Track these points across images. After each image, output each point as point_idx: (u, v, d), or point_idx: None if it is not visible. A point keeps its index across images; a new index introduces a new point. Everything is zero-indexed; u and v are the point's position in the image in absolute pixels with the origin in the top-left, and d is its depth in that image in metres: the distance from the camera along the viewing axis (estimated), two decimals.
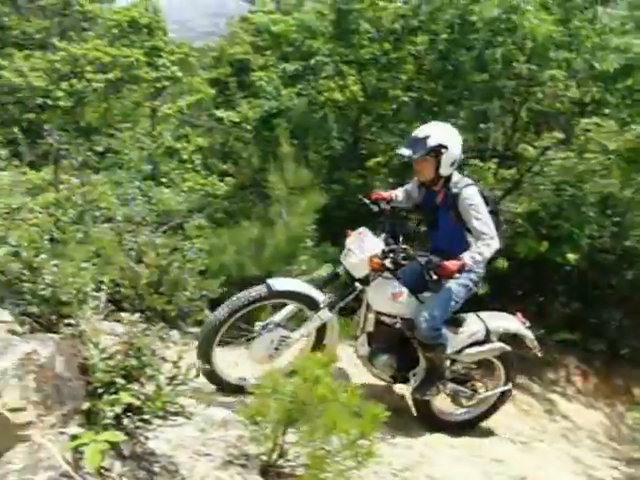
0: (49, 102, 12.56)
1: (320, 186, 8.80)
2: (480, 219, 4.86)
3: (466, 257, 4.73)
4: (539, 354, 5.82)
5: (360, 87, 10.28)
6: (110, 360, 2.38)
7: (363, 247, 4.90)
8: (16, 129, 11.55)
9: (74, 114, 13.09)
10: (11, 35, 14.68)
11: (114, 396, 2.43)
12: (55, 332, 2.31)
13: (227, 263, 7.70)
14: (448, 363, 5.40)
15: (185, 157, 13.11)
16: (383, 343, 5.20)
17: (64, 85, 12.73)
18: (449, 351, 5.22)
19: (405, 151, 5.00)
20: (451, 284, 5.07)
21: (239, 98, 13.39)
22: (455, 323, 5.28)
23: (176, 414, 2.64)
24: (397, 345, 5.25)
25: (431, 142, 4.93)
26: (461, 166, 5.36)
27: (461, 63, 8.52)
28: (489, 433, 5.81)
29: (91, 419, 2.45)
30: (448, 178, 5.10)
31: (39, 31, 14.92)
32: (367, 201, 5.37)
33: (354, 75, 10.35)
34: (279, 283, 4.92)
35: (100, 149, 12.35)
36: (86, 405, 2.40)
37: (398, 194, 5.54)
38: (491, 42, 8.17)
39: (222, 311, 4.79)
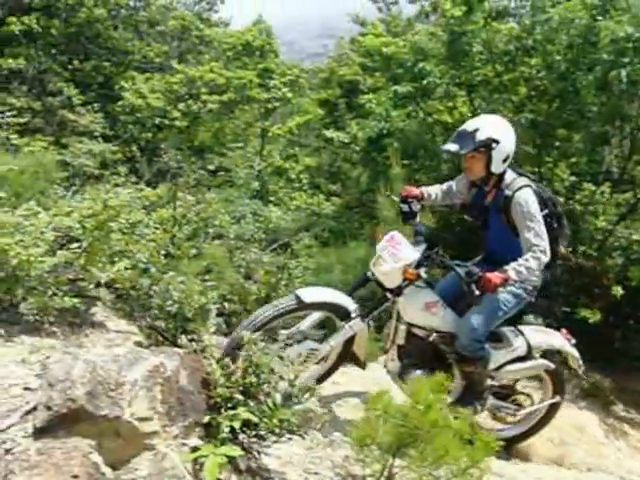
0: (166, 122, 13.12)
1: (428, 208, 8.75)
2: (532, 229, 4.34)
3: (510, 270, 4.22)
4: (582, 375, 5.44)
5: (469, 109, 10.19)
6: (231, 376, 2.47)
7: (396, 255, 4.38)
8: (134, 147, 12.13)
9: (188, 133, 13.61)
10: (133, 59, 15.47)
11: (233, 411, 2.50)
12: (179, 346, 2.41)
13: (333, 282, 7.76)
14: (488, 380, 4.86)
15: (293, 176, 13.37)
16: (415, 358, 4.66)
17: (181, 106, 13.28)
18: (490, 367, 4.73)
19: (452, 146, 4.46)
20: (501, 293, 4.51)
21: (348, 119, 13.54)
22: (494, 338, 4.78)
23: (291, 432, 2.69)
24: (430, 360, 4.68)
25: (480, 136, 4.39)
26: (516, 163, 4.83)
27: (581, 84, 8.29)
28: (598, 470, 5.57)
29: (210, 432, 2.54)
30: (501, 177, 4.55)
31: (159, 55, 15.68)
32: (396, 199, 4.80)
33: (463, 96, 10.29)
34: (309, 294, 4.39)
35: (212, 167, 12.77)
36: (206, 418, 2.49)
37: (432, 192, 4.92)
38: (616, 62, 7.90)
39: (247, 327, 4.17)
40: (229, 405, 2.52)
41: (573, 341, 5.07)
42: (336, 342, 4.41)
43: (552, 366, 5.00)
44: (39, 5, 12.79)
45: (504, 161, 4.46)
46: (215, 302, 2.53)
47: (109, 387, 2.04)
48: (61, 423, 1.95)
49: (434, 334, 4.56)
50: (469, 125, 4.49)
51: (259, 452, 2.77)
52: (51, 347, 4.56)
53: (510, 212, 4.40)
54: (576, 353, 5.08)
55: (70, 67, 14.41)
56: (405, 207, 4.69)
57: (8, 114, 9.08)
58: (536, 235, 4.30)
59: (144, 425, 2.21)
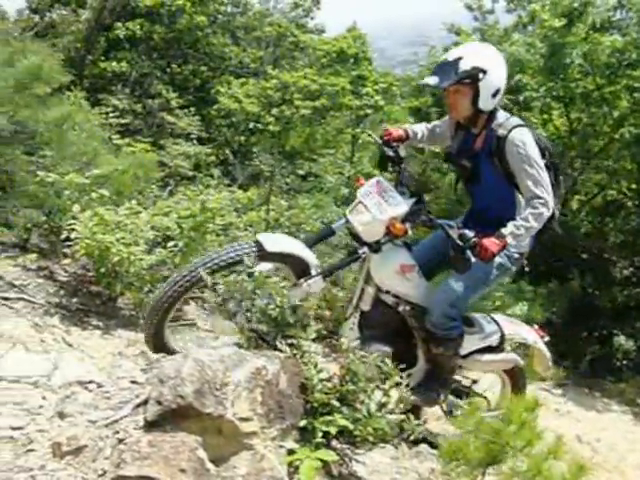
0: (259, 126, 13.38)
1: None
2: (532, 175, 3.65)
3: (508, 234, 3.54)
4: (548, 378, 4.95)
5: (566, 122, 9.97)
6: (328, 382, 2.52)
7: (382, 205, 3.69)
8: (228, 150, 12.42)
9: (280, 138, 13.83)
10: (229, 64, 15.86)
11: (329, 417, 2.55)
12: (279, 350, 2.48)
13: None
14: (455, 369, 4.22)
15: None
16: (378, 329, 3.97)
17: (274, 111, 13.52)
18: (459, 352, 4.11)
19: (431, 79, 3.76)
20: (490, 268, 3.86)
21: None
22: (465, 322, 4.13)
23: (384, 441, 2.72)
24: (395, 335, 4.04)
25: (464, 65, 3.67)
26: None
27: None
28: None
29: (305, 436, 2.59)
30: (491, 116, 3.84)
31: (254, 60, 16.03)
32: (379, 141, 4.06)
33: (558, 109, 10.06)
34: (273, 242, 3.69)
35: (302, 172, 12.94)
36: (303, 422, 2.54)
37: (418, 130, 4.24)
38: None
39: (203, 266, 3.43)
40: (325, 411, 2.56)
41: (547, 338, 4.54)
42: (294, 299, 3.51)
43: (522, 362, 4.42)
44: (143, 11, 13.27)
45: (494, 95, 3.77)
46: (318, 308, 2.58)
47: (215, 386, 2.12)
48: (170, 418, 2.04)
49: (404, 304, 3.92)
50: (451, 54, 3.79)
51: (351, 459, 2.81)
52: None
53: (505, 155, 3.73)
54: (548, 352, 4.52)
55: (169, 71, 14.92)
56: (390, 151, 3.98)
57: (111, 115, 9.46)
58: (536, 183, 3.63)
59: (244, 425, 2.28)
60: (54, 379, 2.80)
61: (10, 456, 2.11)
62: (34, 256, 5.03)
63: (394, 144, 3.98)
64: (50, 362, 3.38)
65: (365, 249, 3.70)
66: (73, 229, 4.68)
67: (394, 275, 3.81)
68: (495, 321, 4.28)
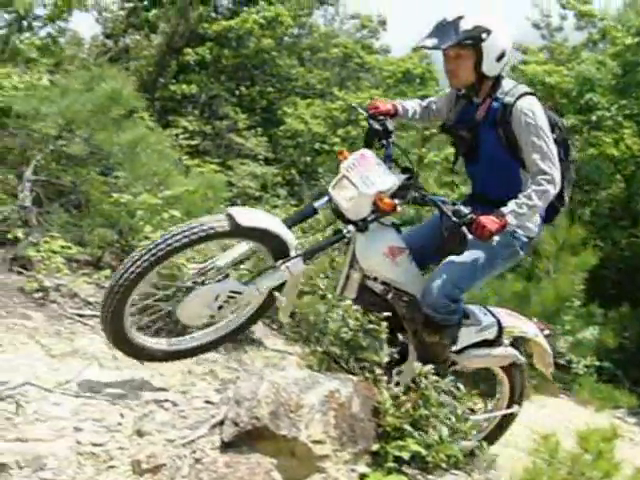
0: (325, 147, 13.47)
1: (592, 245, 8.43)
2: (540, 148, 3.27)
3: (508, 213, 3.20)
4: (549, 375, 4.28)
5: (638, 141, 9.73)
6: (401, 406, 2.50)
7: (369, 178, 3.31)
8: (294, 170, 12.54)
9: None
10: (295, 85, 16.04)
11: (401, 442, 2.53)
12: (352, 373, 2.48)
13: None
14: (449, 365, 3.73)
15: None
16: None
17: (340, 131, 13.59)
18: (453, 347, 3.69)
19: (428, 41, 3.40)
20: (495, 246, 3.40)
21: None
22: None
23: (457, 467, 2.68)
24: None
25: (465, 25, 3.33)
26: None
27: None
28: None
29: (377, 460, 2.58)
30: (496, 83, 3.46)
31: (320, 81, 16.16)
32: (365, 113, 3.72)
33: (630, 128, 9.83)
34: (246, 216, 3.27)
35: None
36: (375, 447, 2.54)
37: (409, 107, 3.89)
38: None
39: (169, 242, 3.11)
40: (397, 435, 2.55)
41: (547, 332, 4.14)
42: (267, 286, 3.27)
43: (522, 359, 4.01)
44: (212, 36, 13.58)
45: (499, 59, 3.40)
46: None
47: (290, 409, 2.14)
48: (246, 439, 2.07)
49: (393, 291, 3.50)
50: (450, 14, 3.44)
51: None
52: (214, 361, 4.81)
53: (511, 125, 3.37)
54: (549, 348, 4.10)
55: (237, 93, 15.17)
56: (376, 124, 3.61)
57: (181, 136, 9.70)
58: (544, 157, 3.27)
59: (317, 448, 2.29)
60: (130, 396, 2.86)
61: (92, 472, 2.16)
62: (107, 273, 5.16)
63: (381, 117, 3.64)
64: (124, 379, 3.46)
65: (350, 228, 3.31)
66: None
67: (382, 258, 3.42)
68: (491, 312, 3.92)
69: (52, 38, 7.88)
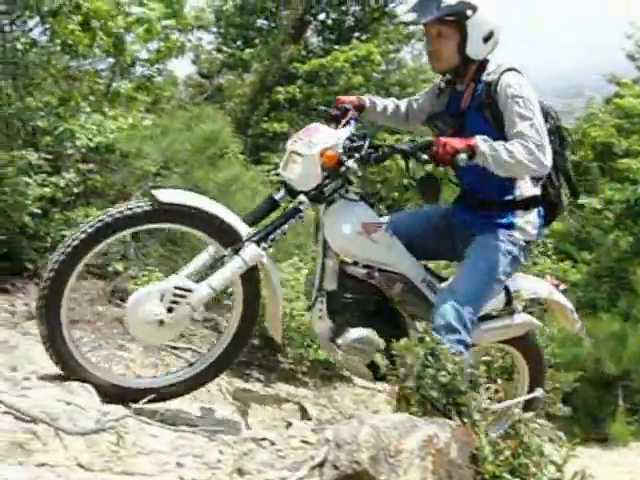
0: (413, 183, 13.43)
1: None
2: (527, 118, 2.93)
3: (480, 138, 2.88)
4: (580, 332, 3.91)
5: None
6: (499, 453, 2.45)
7: (311, 142, 3.01)
8: (382, 206, 12.55)
9: None
10: None
11: None
12: (449, 418, 2.45)
13: (582, 356, 7.39)
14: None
15: (538, 241, 12.94)
16: (352, 311, 3.20)
17: (429, 166, 13.53)
18: None
19: (408, 16, 3.20)
20: (488, 251, 3.15)
21: (601, 183, 12.92)
22: None
23: None
24: (375, 313, 3.26)
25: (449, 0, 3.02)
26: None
27: None
28: None
29: None
30: (481, 67, 3.17)
31: None
32: (329, 110, 3.40)
33: None
34: (173, 195, 2.93)
35: None
36: None
37: (379, 102, 3.54)
38: None
39: (75, 239, 2.78)
40: None
41: (562, 287, 3.75)
42: (221, 279, 2.89)
43: (538, 324, 3.71)
44: (303, 74, 13.86)
45: (486, 40, 3.10)
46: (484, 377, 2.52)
47: (389, 453, 2.12)
48: None
49: (377, 273, 3.17)
50: None
51: None
52: (303, 396, 4.84)
53: (497, 103, 3.04)
54: (569, 303, 3.71)
55: None
56: (335, 111, 3.36)
57: (272, 172, 9.88)
58: (532, 126, 2.93)
59: None
60: (226, 432, 2.90)
61: None
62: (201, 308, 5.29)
63: (345, 106, 3.38)
64: (218, 413, 3.52)
65: (302, 198, 2.96)
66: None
67: (356, 238, 3.08)
68: None
69: (149, 78, 8.23)
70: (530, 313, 3.78)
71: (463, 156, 2.80)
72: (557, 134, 3.27)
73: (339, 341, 3.17)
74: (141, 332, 2.89)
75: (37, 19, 5.70)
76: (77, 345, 2.98)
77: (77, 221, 4.87)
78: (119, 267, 5.02)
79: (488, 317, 3.48)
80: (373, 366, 3.21)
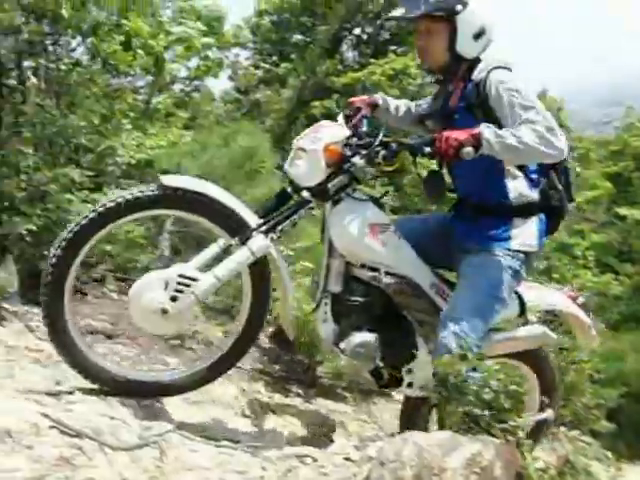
0: (451, 195, 13.35)
1: None
2: (532, 107, 2.79)
3: (485, 127, 2.76)
4: (595, 345, 3.63)
5: None
6: (544, 472, 2.41)
7: (316, 137, 2.96)
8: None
9: None
10: None
11: None
12: (493, 435, 2.41)
13: (626, 372, 7.25)
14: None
15: (578, 253, 12.76)
16: (357, 315, 3.08)
17: None
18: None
19: (397, 11, 3.28)
20: (487, 270, 2.99)
21: None
22: None
23: None
24: (381, 320, 3.13)
25: None
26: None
27: None
28: None
29: None
30: (473, 66, 3.05)
31: None
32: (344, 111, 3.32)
33: None
34: (180, 180, 2.89)
35: None
36: None
37: (392, 102, 3.47)
38: None
39: (77, 225, 2.77)
40: None
41: (581, 299, 3.53)
42: (226, 270, 2.82)
43: (553, 337, 3.42)
44: (339, 88, 13.87)
45: (477, 37, 3.00)
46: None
47: (433, 471, 2.10)
48: None
49: (384, 277, 3.05)
50: None
51: None
52: (343, 412, 4.81)
53: (489, 101, 2.91)
54: (587, 317, 3.48)
55: None
56: (348, 110, 3.30)
57: None
58: (537, 112, 2.78)
59: None
60: (268, 448, 2.90)
61: None
62: None
63: (357, 105, 3.33)
64: (259, 429, 3.53)
65: (305, 194, 2.89)
66: (277, 298, 4.87)
67: (362, 239, 2.97)
68: None
69: (187, 94, 8.34)
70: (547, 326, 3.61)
71: (468, 149, 2.70)
72: None
73: (342, 345, 3.06)
74: (144, 321, 2.82)
75: (80, 39, 5.83)
76: (81, 333, 2.96)
77: (118, 237, 4.93)
78: None
79: (500, 328, 3.36)
80: (377, 373, 3.19)
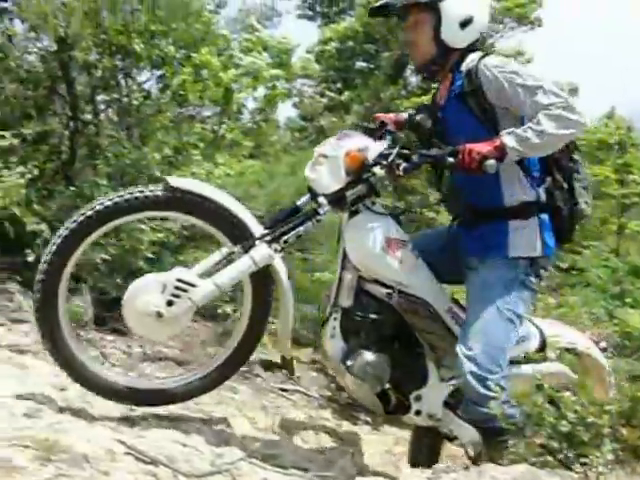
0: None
1: None
2: (538, 87, 2.66)
3: (505, 133, 2.66)
4: (609, 396, 3.14)
5: None
6: None
7: (338, 144, 2.87)
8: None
9: None
10: None
11: None
12: (571, 469, 2.34)
13: None
14: None
15: None
16: (367, 333, 2.94)
17: None
18: None
19: (379, 2, 3.02)
20: (491, 290, 2.84)
21: None
22: None
23: None
24: (392, 339, 3.01)
25: None
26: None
27: None
28: None
29: None
30: (461, 57, 2.92)
31: None
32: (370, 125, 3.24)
33: None
34: (182, 181, 2.83)
35: (564, 266, 12.40)
36: None
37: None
38: None
39: (73, 222, 2.70)
40: None
41: (603, 344, 3.45)
42: (227, 277, 2.74)
43: (573, 376, 3.19)
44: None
45: (463, 25, 2.87)
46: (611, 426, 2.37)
47: None
48: None
49: (397, 295, 2.92)
50: None
51: None
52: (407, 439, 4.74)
53: (482, 88, 2.77)
54: (605, 362, 3.32)
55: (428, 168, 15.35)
56: (372, 124, 3.26)
57: None
58: (545, 92, 2.65)
59: None
60: (339, 476, 2.89)
61: None
62: (309, 350, 5.31)
63: (382, 120, 3.28)
64: (327, 457, 3.50)
65: (321, 200, 2.80)
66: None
67: (378, 254, 2.85)
68: (532, 322, 3.25)
69: (255, 123, 8.46)
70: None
71: (492, 162, 2.62)
72: None
73: (349, 363, 2.92)
74: (138, 324, 2.74)
75: (150, 71, 6.03)
76: (78, 337, 2.99)
77: (187, 264, 5.00)
78: (228, 309, 5.12)
79: (519, 360, 3.20)
80: (384, 397, 3.07)
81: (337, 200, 2.81)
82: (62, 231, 2.71)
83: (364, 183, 2.82)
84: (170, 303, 2.66)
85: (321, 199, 2.80)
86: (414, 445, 3.56)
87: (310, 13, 18.27)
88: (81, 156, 5.20)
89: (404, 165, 2.76)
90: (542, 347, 3.24)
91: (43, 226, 4.14)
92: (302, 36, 16.30)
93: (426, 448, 3.44)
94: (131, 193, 2.72)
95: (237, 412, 3.85)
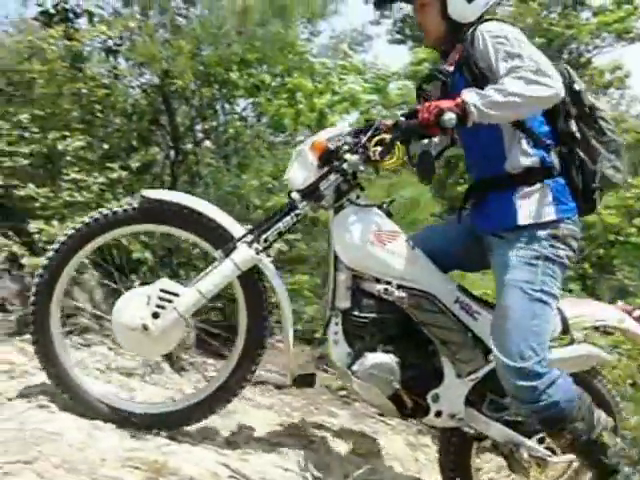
0: (620, 238, 12.70)
1: None
2: (518, 55, 2.53)
3: (466, 91, 2.53)
4: None
5: None
6: None
7: (312, 137, 2.87)
8: (586, 264, 11.90)
9: None
10: None
11: None
12: None
13: None
14: None
15: None
16: (371, 335, 2.79)
17: (636, 221, 12.75)
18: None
19: None
20: (512, 268, 2.62)
21: None
22: None
23: None
24: (398, 338, 2.84)
25: None
26: None
27: None
28: None
29: None
30: (474, 31, 2.76)
31: None
32: None
33: None
34: (160, 194, 2.78)
35: None
36: None
37: None
38: None
39: (59, 242, 2.72)
40: None
41: (637, 313, 3.06)
42: (210, 284, 2.67)
43: (609, 358, 3.02)
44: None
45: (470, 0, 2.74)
46: None
47: None
48: None
49: (395, 288, 2.76)
50: None
51: None
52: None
53: (475, 54, 2.68)
54: None
55: None
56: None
57: None
58: (522, 59, 2.52)
59: None
60: None
61: None
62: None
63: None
64: None
65: (294, 195, 2.72)
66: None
67: (368, 249, 2.73)
68: None
69: None
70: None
71: (450, 116, 2.46)
72: (570, 94, 2.75)
73: (355, 367, 2.79)
74: (126, 340, 2.69)
75: (245, 102, 6.18)
76: (71, 356, 2.87)
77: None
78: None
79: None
80: (397, 399, 2.89)
81: (310, 193, 2.73)
82: (44, 261, 2.73)
83: (337, 172, 2.72)
84: (156, 315, 2.62)
85: (294, 194, 2.74)
86: (442, 449, 3.37)
87: (400, 37, 18.24)
88: (182, 184, 5.35)
89: (379, 150, 2.64)
90: (565, 328, 2.99)
91: (147, 254, 4.26)
92: (393, 60, 16.30)
93: (454, 450, 3.25)
94: (100, 212, 2.73)
95: (337, 437, 3.84)
